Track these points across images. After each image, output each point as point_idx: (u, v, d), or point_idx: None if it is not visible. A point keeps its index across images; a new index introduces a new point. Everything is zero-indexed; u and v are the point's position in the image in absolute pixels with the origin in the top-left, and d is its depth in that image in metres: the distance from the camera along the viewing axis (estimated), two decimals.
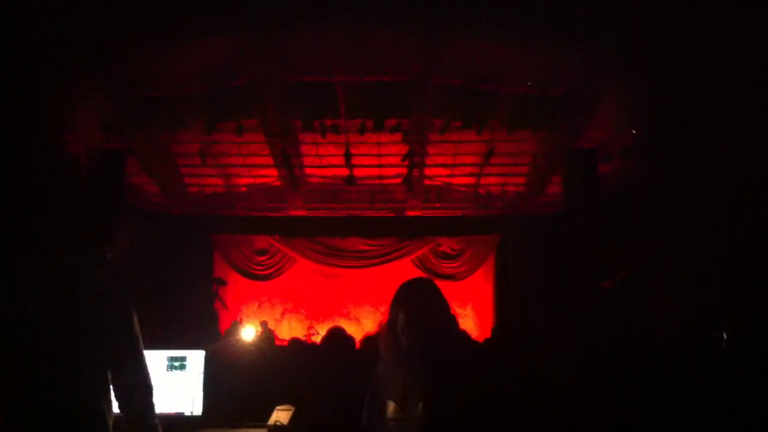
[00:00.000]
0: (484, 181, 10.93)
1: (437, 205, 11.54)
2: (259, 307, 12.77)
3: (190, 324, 9.26)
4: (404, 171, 10.20)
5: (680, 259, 7.20)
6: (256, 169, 10.71)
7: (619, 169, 9.41)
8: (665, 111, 7.57)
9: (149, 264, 9.63)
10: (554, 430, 2.39)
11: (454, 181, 11.02)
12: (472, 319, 12.48)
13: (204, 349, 3.71)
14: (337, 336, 4.45)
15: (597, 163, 9.12)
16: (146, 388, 2.65)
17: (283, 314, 12.79)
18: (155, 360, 3.63)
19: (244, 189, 11.35)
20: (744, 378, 1.85)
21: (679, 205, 7.50)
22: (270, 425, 3.49)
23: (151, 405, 2.65)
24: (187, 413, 3.60)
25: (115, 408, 2.64)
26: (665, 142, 7.90)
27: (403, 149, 9.64)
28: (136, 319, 2.68)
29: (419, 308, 2.59)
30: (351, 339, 4.80)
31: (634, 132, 8.39)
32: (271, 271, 12.92)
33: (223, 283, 12.23)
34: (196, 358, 3.67)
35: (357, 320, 12.45)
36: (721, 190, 6.60)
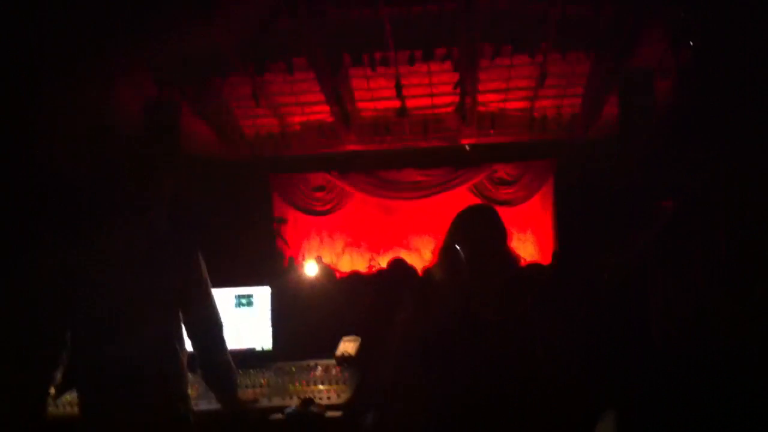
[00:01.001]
0: (538, 104, 10.77)
1: (491, 131, 11.41)
2: (320, 242, 13.00)
3: (255, 262, 9.50)
4: (456, 99, 10.11)
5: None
6: (308, 107, 10.77)
7: (676, 88, 9.14)
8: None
9: (212, 209, 9.87)
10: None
11: (508, 106, 10.88)
12: (533, 244, 12.47)
13: (269, 285, 3.85)
14: (398, 266, 4.53)
15: (653, 82, 8.86)
16: (215, 326, 2.77)
17: (344, 248, 13.00)
18: (223, 298, 3.79)
19: (298, 128, 11.44)
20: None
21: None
22: (338, 356, 3.61)
23: (221, 341, 2.78)
24: (258, 348, 3.77)
25: (189, 347, 2.78)
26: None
27: (455, 77, 9.54)
28: (201, 261, 2.78)
29: (482, 243, 2.57)
30: (412, 269, 4.87)
31: (690, 44, 8.09)
32: (329, 206, 13.09)
33: (283, 221, 12.46)
34: (262, 295, 3.82)
35: (417, 251, 12.57)
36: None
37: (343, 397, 3.22)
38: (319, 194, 13.11)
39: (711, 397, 1.83)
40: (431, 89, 10.21)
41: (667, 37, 8.05)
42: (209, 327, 2.76)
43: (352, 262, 12.54)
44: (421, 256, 12.16)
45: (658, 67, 8.73)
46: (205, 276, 2.78)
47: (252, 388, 3.40)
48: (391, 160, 12.46)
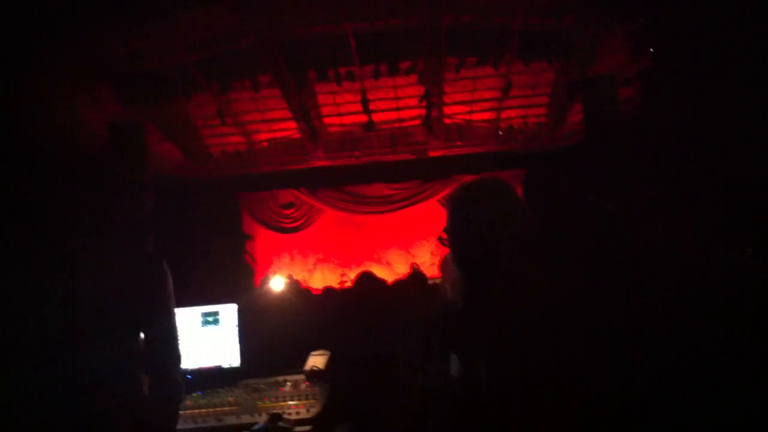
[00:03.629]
0: (504, 115, 10.85)
1: (459, 143, 11.47)
2: (291, 259, 12.94)
3: (225, 280, 9.42)
4: (423, 112, 10.14)
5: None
6: (275, 124, 10.74)
7: (639, 93, 9.28)
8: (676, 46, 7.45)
9: (180, 228, 9.79)
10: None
11: (474, 117, 10.94)
12: None
13: (236, 303, 3.80)
14: (365, 280, 4.48)
15: (616, 89, 8.97)
16: (171, 343, 2.72)
17: (315, 265, 12.95)
18: (190, 317, 3.74)
19: (265, 145, 11.39)
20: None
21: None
22: (306, 371, 3.58)
23: (173, 359, 2.72)
24: (225, 366, 3.72)
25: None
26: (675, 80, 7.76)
27: (420, 90, 9.59)
28: (168, 281, 2.73)
29: (467, 220, 2.11)
30: (381, 282, 4.80)
31: (651, 51, 8.23)
32: (299, 223, 13.05)
33: (249, 238, 12.39)
34: (229, 312, 3.77)
35: (388, 264, 12.58)
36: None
37: (312, 411, 3.19)
38: (288, 211, 13.06)
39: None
40: (397, 103, 10.24)
41: (628, 44, 8.18)
42: (163, 344, 2.71)
43: (324, 278, 12.49)
44: (392, 270, 12.15)
45: (620, 73, 8.86)
46: (169, 296, 2.73)
47: (220, 407, 3.35)
48: (360, 175, 12.46)
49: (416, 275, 4.85)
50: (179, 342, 2.73)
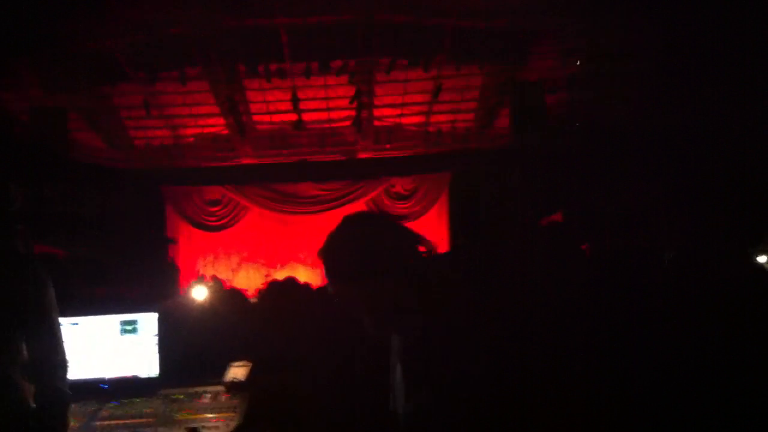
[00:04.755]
0: (433, 118, 10.93)
1: (388, 145, 11.52)
2: (215, 258, 12.72)
3: (146, 282, 9.17)
4: (353, 113, 10.14)
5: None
6: (202, 119, 10.54)
7: (566, 100, 9.49)
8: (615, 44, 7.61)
9: (101, 224, 9.51)
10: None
11: (404, 120, 10.99)
12: None
13: (156, 311, 3.70)
14: (277, 291, 4.39)
15: (543, 95, 9.16)
16: (53, 352, 2.62)
17: (239, 264, 12.77)
18: (108, 325, 3.62)
19: (191, 140, 11.16)
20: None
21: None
22: (227, 382, 3.51)
23: (57, 368, 2.62)
24: (143, 375, 3.61)
25: None
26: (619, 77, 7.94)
27: (351, 91, 9.58)
28: (50, 291, 2.62)
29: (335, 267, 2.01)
30: (301, 288, 4.68)
31: (578, 63, 8.43)
32: (224, 221, 12.84)
33: (172, 242, 12.16)
34: (148, 320, 3.66)
35: (314, 266, 12.49)
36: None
37: (231, 424, 3.13)
38: (214, 209, 12.83)
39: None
40: (328, 102, 10.19)
41: (557, 50, 8.35)
42: (48, 362, 2.60)
43: (249, 279, 12.33)
44: (317, 272, 12.09)
45: (548, 79, 9.04)
46: (51, 309, 2.61)
47: (137, 418, 3.26)
48: (288, 173, 12.34)
49: None
50: (64, 350, 2.63)
